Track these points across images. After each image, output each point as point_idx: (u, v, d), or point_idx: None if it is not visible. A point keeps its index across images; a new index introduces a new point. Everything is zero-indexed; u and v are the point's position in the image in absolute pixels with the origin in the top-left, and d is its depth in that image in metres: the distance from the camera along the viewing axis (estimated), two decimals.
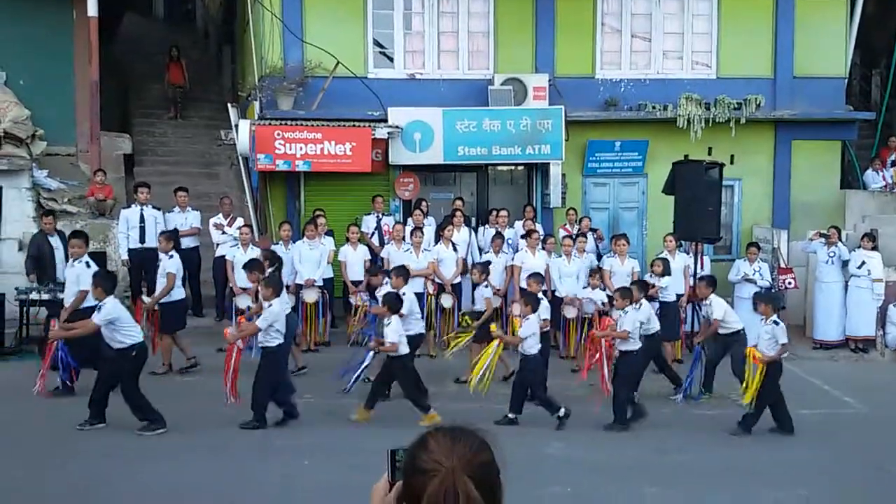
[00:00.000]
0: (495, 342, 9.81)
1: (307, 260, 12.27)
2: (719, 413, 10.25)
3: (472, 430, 2.16)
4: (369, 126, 13.84)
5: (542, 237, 12.85)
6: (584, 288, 12.19)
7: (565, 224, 14.16)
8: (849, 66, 16.04)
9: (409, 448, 2.12)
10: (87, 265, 10.19)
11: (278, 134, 13.53)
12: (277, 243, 12.68)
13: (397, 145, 14.06)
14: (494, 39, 14.95)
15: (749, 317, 10.85)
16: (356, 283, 12.70)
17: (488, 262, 11.86)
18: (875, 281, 13.38)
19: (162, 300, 10.87)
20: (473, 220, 14.74)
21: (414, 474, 2.06)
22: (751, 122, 15.07)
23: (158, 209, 13.12)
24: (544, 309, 10.12)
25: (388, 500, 2.17)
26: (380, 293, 10.55)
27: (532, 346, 9.49)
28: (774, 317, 9.44)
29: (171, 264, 10.98)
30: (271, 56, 14.20)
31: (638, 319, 9.72)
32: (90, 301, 9.57)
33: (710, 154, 14.72)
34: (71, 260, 10.48)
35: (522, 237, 12.97)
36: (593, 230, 14.03)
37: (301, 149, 13.58)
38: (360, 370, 10.10)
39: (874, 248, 13.54)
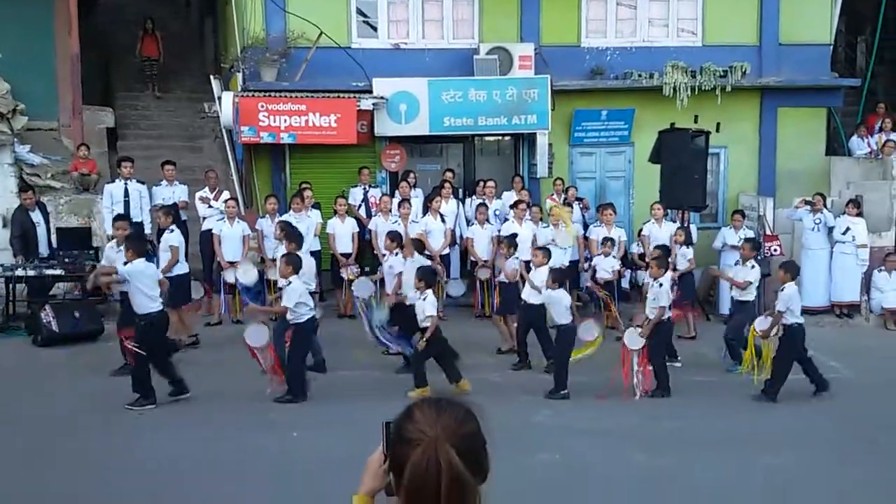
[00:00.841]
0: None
1: None
2: (711, 380, 10.36)
3: (458, 401, 2.17)
4: (354, 97, 13.74)
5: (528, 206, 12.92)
6: (598, 256, 12.43)
7: (552, 194, 14.16)
8: (834, 33, 16.01)
9: (396, 419, 2.14)
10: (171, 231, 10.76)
11: (262, 106, 13.41)
12: (264, 216, 12.65)
13: (383, 116, 13.97)
14: (479, 8, 14.83)
15: None
16: (345, 256, 12.71)
17: (515, 235, 11.73)
18: (859, 247, 13.48)
19: (166, 275, 10.66)
20: (461, 191, 14.71)
21: (399, 444, 2.08)
22: (736, 89, 15.05)
23: (143, 183, 13.02)
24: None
25: (381, 471, 2.19)
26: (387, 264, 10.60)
27: (564, 317, 9.62)
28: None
29: (173, 238, 10.86)
30: (253, 27, 14.04)
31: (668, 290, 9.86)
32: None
33: (696, 122, 14.73)
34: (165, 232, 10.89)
35: (511, 207, 12.97)
36: (579, 199, 14.05)
37: (285, 121, 13.48)
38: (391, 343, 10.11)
39: (859, 215, 13.62)
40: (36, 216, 12.46)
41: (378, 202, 13.16)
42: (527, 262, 11.35)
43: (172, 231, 10.90)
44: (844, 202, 13.88)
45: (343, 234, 12.78)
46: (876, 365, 11.48)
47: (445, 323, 10.80)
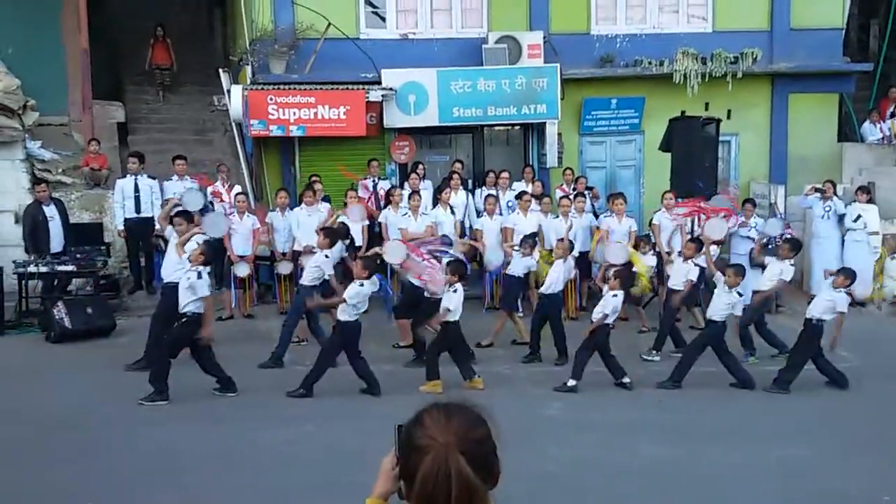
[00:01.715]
0: None
1: (305, 226, 12.22)
2: (719, 371, 10.32)
3: (469, 406, 2.17)
4: (363, 89, 13.71)
5: (536, 195, 12.93)
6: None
7: (562, 184, 14.11)
8: (846, 17, 15.85)
9: (406, 424, 2.14)
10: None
11: (271, 99, 13.41)
12: (274, 210, 12.67)
13: (392, 108, 13.95)
14: None
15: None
16: (356, 249, 12.70)
17: (535, 234, 11.85)
18: (871, 234, 13.38)
19: None
20: (470, 181, 14.69)
21: (410, 451, 2.08)
22: (747, 75, 14.94)
23: (153, 178, 13.06)
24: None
25: (393, 474, 2.20)
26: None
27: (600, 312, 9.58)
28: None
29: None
30: (262, 19, 14.02)
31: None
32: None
33: (706, 109, 14.65)
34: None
35: (516, 198, 12.96)
36: (589, 189, 14.00)
37: (295, 113, 13.48)
38: None
39: (870, 201, 13.52)
40: (50, 210, 12.45)
41: (388, 194, 13.15)
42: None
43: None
44: (855, 189, 13.78)
45: (353, 226, 12.77)
46: (888, 353, 11.42)
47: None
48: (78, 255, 12.09)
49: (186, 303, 8.86)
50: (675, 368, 9.70)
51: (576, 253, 12.27)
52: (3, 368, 10.19)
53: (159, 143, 16.27)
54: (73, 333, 11.08)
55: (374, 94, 13.73)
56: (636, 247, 12.04)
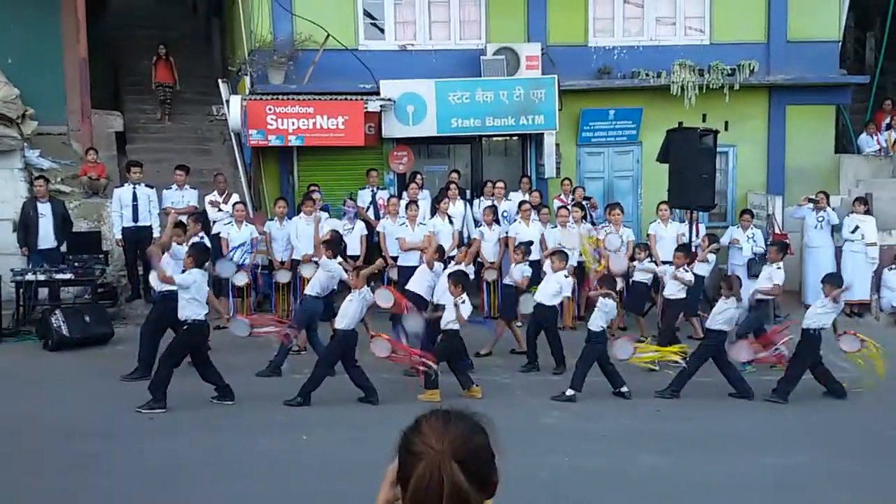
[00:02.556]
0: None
1: (304, 236, 12.23)
2: (718, 381, 10.32)
3: (468, 415, 2.15)
4: (361, 99, 13.75)
5: (536, 206, 12.95)
6: (633, 260, 12.19)
7: (559, 195, 14.14)
8: (843, 29, 15.92)
9: (405, 430, 2.13)
10: None
11: (270, 109, 13.44)
12: (272, 219, 12.69)
13: (390, 118, 13.98)
14: (486, 8, 14.81)
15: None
16: (354, 259, 12.71)
17: (531, 243, 11.85)
18: (869, 245, 13.42)
19: None
20: (468, 192, 14.72)
21: (406, 456, 2.07)
22: (745, 87, 15.00)
23: (151, 187, 13.07)
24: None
25: (393, 481, 2.20)
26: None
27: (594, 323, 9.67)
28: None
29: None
30: (260, 29, 14.07)
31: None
32: None
33: (704, 121, 14.69)
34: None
35: (519, 206, 12.98)
36: (587, 199, 14.03)
37: (293, 123, 13.51)
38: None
39: (867, 212, 13.56)
40: (43, 208, 12.45)
41: (386, 204, 13.17)
42: (531, 263, 11.36)
43: (203, 238, 10.94)
44: (852, 200, 13.82)
45: (351, 236, 12.78)
46: (886, 364, 11.41)
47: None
48: (76, 264, 12.09)
49: (185, 309, 8.85)
50: (675, 378, 9.70)
51: (574, 262, 12.34)
52: (1, 376, 10.16)
53: (157, 151, 16.28)
54: (70, 341, 11.06)
55: (373, 105, 13.77)
56: (632, 256, 12.05)
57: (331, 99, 13.70)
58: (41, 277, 11.80)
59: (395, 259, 12.38)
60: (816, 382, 9.83)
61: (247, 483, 7.16)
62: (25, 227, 12.39)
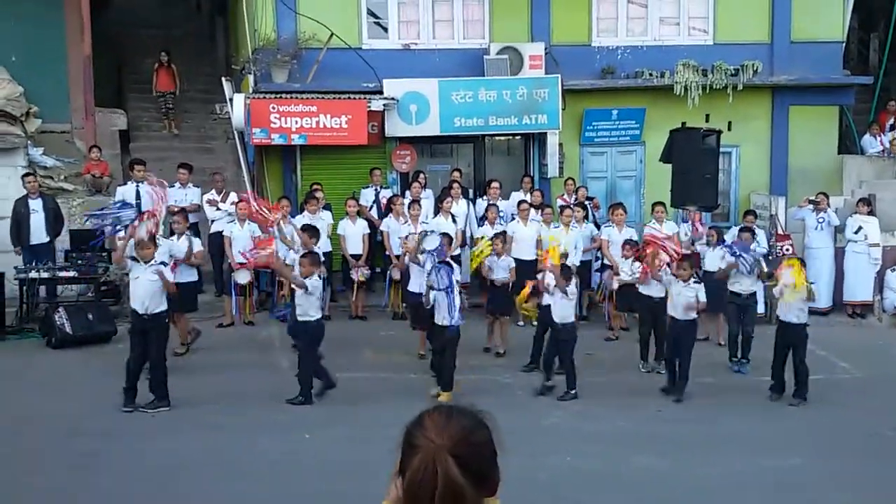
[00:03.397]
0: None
1: None
2: (719, 382, 10.34)
3: (473, 411, 2.14)
4: (365, 98, 13.77)
5: (535, 205, 12.95)
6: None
7: (563, 194, 14.14)
8: (846, 30, 15.91)
9: (408, 424, 2.14)
10: None
11: (273, 107, 13.46)
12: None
13: (393, 117, 14.00)
14: (489, 8, 14.82)
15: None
16: (356, 257, 12.74)
17: (504, 232, 11.82)
18: (872, 246, 13.40)
19: (178, 281, 10.36)
20: (471, 191, 14.72)
21: (407, 449, 2.08)
22: (748, 88, 14.99)
23: None
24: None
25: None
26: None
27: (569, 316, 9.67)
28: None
29: (196, 242, 11.10)
30: (264, 28, 14.08)
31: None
32: None
33: (707, 121, 14.69)
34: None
35: (518, 206, 12.97)
36: (589, 199, 14.02)
37: (297, 122, 13.53)
38: None
39: (870, 213, 13.54)
40: (35, 204, 12.46)
41: (389, 202, 13.18)
42: (528, 262, 11.31)
43: (193, 235, 10.96)
44: (856, 201, 13.81)
45: (354, 235, 12.81)
46: (888, 365, 11.42)
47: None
48: (79, 262, 12.11)
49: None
50: (671, 382, 9.68)
51: (577, 262, 12.33)
52: (4, 374, 10.19)
53: (161, 150, 16.32)
54: (73, 339, 11.08)
55: (376, 104, 13.78)
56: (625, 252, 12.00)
57: (334, 98, 13.71)
58: (45, 275, 11.81)
59: (398, 258, 12.39)
60: (813, 384, 9.81)
61: (248, 482, 7.18)
62: (17, 225, 12.40)
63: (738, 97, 14.95)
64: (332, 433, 8.38)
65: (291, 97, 13.63)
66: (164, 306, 8.98)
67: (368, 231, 12.95)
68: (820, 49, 15.32)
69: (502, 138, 15.48)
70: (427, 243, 9.57)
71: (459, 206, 13.26)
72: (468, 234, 13.36)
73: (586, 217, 13.16)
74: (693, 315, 9.73)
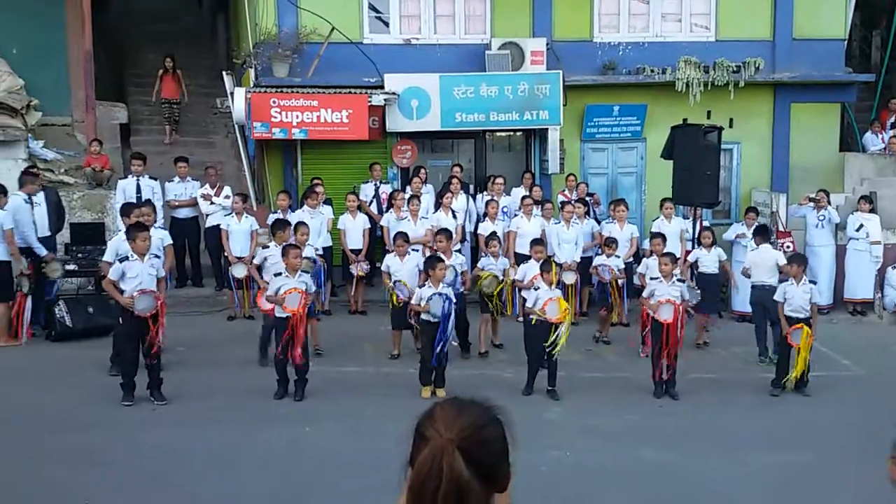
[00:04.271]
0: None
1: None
2: (721, 377, 10.34)
3: (485, 406, 2.11)
4: (366, 93, 13.75)
5: (538, 201, 12.93)
6: (598, 255, 12.19)
7: (564, 190, 14.13)
8: (848, 27, 15.89)
9: (420, 415, 2.12)
10: None
11: (274, 102, 13.44)
12: (276, 212, 12.67)
13: (394, 112, 13.98)
14: (491, 3, 14.78)
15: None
16: (356, 252, 12.72)
17: (494, 233, 11.65)
18: (873, 243, 13.39)
19: None
20: (472, 186, 14.70)
21: (417, 440, 2.06)
22: (750, 85, 14.98)
23: (155, 179, 13.07)
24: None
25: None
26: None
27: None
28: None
29: (167, 236, 10.84)
30: (265, 22, 14.06)
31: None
32: None
33: (708, 118, 14.65)
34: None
35: (521, 201, 12.96)
36: (590, 195, 14.01)
37: (297, 116, 13.50)
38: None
39: (872, 211, 13.53)
40: (37, 197, 12.37)
41: (389, 198, 13.16)
42: (528, 257, 11.19)
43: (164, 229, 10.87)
44: (857, 198, 13.80)
45: (354, 230, 12.79)
46: (889, 362, 11.41)
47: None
48: (80, 255, 12.08)
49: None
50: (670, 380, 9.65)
51: (577, 258, 12.33)
52: (4, 367, 10.17)
53: (161, 144, 16.29)
54: (73, 332, 11.06)
55: (377, 99, 13.76)
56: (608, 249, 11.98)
57: (335, 92, 13.69)
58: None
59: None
60: (815, 380, 9.82)
61: (248, 475, 7.16)
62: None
63: (739, 94, 14.94)
64: (332, 427, 8.36)
65: (292, 91, 13.61)
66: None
67: (369, 226, 12.93)
68: (822, 46, 15.31)
69: (503, 134, 15.46)
70: (433, 307, 9.33)
71: (459, 202, 13.25)
72: (467, 231, 13.35)
73: (587, 213, 13.15)
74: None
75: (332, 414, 8.70)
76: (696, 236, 12.43)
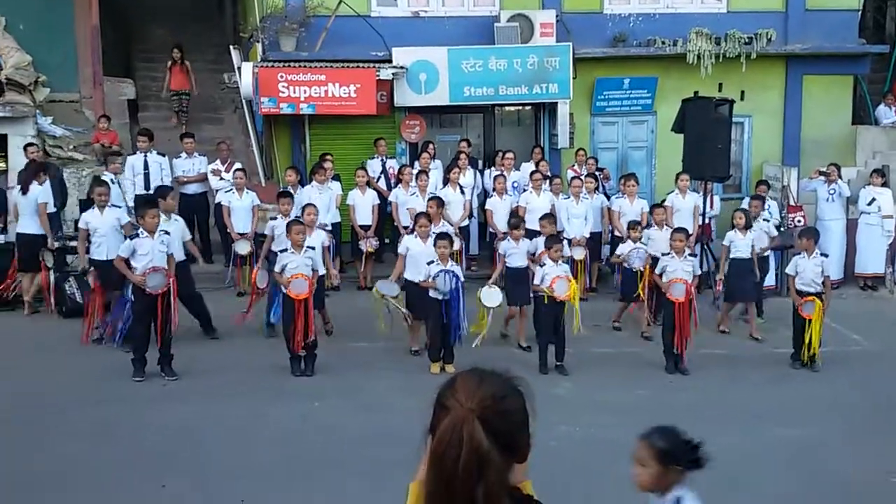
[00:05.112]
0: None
1: (315, 204, 12.15)
2: (731, 353, 10.32)
3: (506, 377, 2.13)
4: (374, 67, 13.65)
5: (547, 176, 12.84)
6: (624, 241, 11.45)
7: (573, 165, 14.04)
8: None
9: (441, 385, 2.12)
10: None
11: (282, 76, 13.36)
12: (285, 188, 12.64)
13: (402, 86, 13.88)
14: None
15: None
16: (365, 228, 12.70)
17: (522, 218, 11.18)
18: (885, 217, 13.28)
19: None
20: (480, 161, 14.63)
21: (438, 409, 2.07)
22: (761, 56, 14.79)
23: (163, 155, 13.06)
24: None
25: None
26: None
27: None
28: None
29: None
30: None
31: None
32: None
33: (720, 90, 14.52)
34: None
35: (530, 176, 12.88)
36: (599, 170, 13.91)
37: (305, 91, 13.43)
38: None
39: (884, 185, 13.41)
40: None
41: (396, 173, 13.11)
42: (538, 232, 10.95)
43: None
44: (870, 172, 13.68)
45: (363, 206, 12.76)
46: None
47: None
48: None
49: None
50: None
51: (587, 234, 12.28)
52: (16, 343, 10.24)
53: (169, 119, 16.25)
54: (84, 309, 11.08)
55: (385, 73, 13.66)
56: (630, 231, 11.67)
57: (343, 66, 13.60)
58: (56, 245, 11.79)
59: (406, 229, 12.33)
60: (825, 355, 9.80)
61: (258, 450, 7.22)
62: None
63: (751, 66, 14.76)
64: (341, 402, 8.40)
65: (300, 66, 13.52)
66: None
67: (378, 202, 12.89)
68: (835, 17, 15.10)
69: (512, 108, 15.35)
70: (439, 283, 9.18)
71: (467, 178, 13.19)
72: (476, 205, 13.30)
73: (597, 188, 13.07)
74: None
75: (341, 389, 8.74)
76: (704, 218, 12.33)
